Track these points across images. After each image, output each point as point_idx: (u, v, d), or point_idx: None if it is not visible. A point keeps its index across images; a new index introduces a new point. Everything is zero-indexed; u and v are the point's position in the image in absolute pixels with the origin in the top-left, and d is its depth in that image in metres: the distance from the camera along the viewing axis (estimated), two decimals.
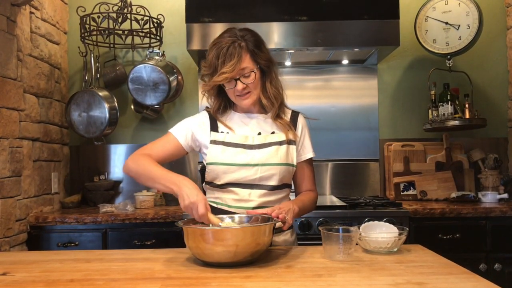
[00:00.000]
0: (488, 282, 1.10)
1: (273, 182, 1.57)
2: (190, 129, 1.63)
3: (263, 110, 1.66)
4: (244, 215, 1.48)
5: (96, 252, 1.62)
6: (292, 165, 1.61)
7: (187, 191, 1.35)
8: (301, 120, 1.70)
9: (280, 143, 1.59)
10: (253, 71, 1.54)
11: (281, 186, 1.60)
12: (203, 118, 1.66)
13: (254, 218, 1.44)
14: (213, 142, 1.59)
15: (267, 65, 1.59)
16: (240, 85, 1.53)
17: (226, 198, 1.58)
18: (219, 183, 1.57)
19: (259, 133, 1.61)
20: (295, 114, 1.69)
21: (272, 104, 1.61)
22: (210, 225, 1.39)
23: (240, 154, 1.55)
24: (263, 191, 1.57)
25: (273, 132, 1.62)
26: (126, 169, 1.57)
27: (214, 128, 1.62)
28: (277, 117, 1.63)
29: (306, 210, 1.63)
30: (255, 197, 1.56)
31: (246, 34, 1.55)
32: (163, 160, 1.60)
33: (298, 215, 1.54)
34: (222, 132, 1.61)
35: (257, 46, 1.55)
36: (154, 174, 1.47)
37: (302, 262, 1.33)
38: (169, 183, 1.41)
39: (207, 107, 1.70)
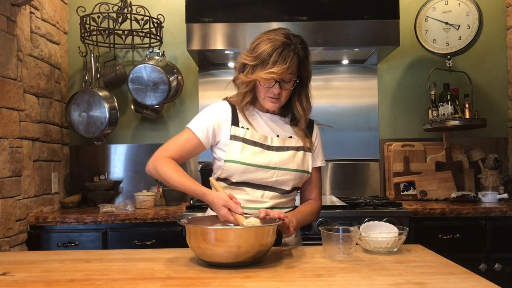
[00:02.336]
0: (488, 282, 1.10)
1: (287, 187, 1.58)
2: (211, 125, 1.58)
3: (282, 113, 1.66)
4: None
5: (96, 252, 1.63)
6: (307, 172, 1.62)
7: (217, 201, 1.41)
8: (316, 128, 1.71)
9: (297, 148, 1.60)
10: (294, 80, 1.54)
11: (292, 190, 1.62)
12: (225, 111, 1.61)
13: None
14: (233, 137, 1.56)
15: (307, 77, 1.59)
16: (277, 89, 1.52)
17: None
18: (234, 180, 1.56)
19: (278, 135, 1.61)
20: (310, 122, 1.70)
21: (304, 115, 1.62)
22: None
23: (258, 154, 1.54)
24: (275, 193, 1.57)
25: (290, 137, 1.62)
26: (149, 172, 1.59)
27: (234, 122, 1.59)
28: (298, 123, 1.63)
29: (305, 222, 1.63)
30: (267, 198, 1.56)
31: (299, 42, 1.54)
32: (183, 159, 1.60)
33: (295, 228, 1.52)
34: (242, 127, 1.58)
35: (306, 57, 1.55)
36: (181, 186, 1.53)
37: (302, 262, 1.33)
38: (198, 195, 1.49)
39: (227, 98, 1.66)
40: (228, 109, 1.61)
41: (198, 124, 1.60)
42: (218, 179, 1.59)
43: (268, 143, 1.57)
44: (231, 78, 1.64)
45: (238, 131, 1.57)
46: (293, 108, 1.63)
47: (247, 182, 1.55)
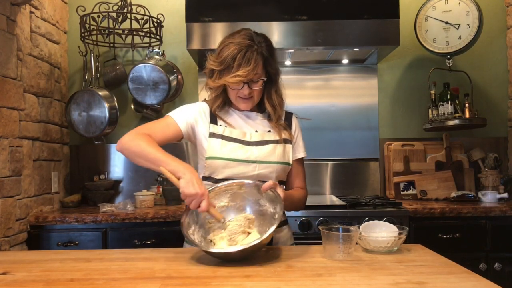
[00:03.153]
0: (488, 281, 1.10)
1: (271, 180, 1.57)
2: (192, 117, 1.61)
3: (259, 109, 1.68)
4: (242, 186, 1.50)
5: (96, 252, 1.62)
6: (288, 164, 1.64)
7: (193, 180, 1.34)
8: (294, 121, 1.74)
9: (277, 141, 1.62)
10: (262, 79, 1.56)
11: (278, 183, 1.61)
12: (204, 108, 1.65)
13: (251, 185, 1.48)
14: (212, 135, 1.59)
15: (275, 74, 1.61)
16: (246, 90, 1.55)
17: None
18: (217, 177, 1.57)
19: (256, 131, 1.63)
20: (288, 115, 1.72)
21: (275, 111, 1.64)
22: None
23: (238, 149, 1.57)
24: None
25: (269, 131, 1.64)
26: (121, 147, 1.50)
27: (213, 121, 1.62)
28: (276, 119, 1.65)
29: (292, 206, 1.62)
30: None
31: (263, 41, 1.55)
32: (160, 144, 1.55)
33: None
34: (220, 125, 1.61)
35: (271, 55, 1.57)
36: (155, 157, 1.42)
37: (302, 261, 1.33)
38: (173, 167, 1.38)
39: (205, 99, 1.70)
40: (207, 108, 1.65)
41: (179, 113, 1.62)
42: (203, 178, 1.60)
43: (247, 139, 1.60)
44: None
45: (217, 129, 1.60)
46: (265, 105, 1.65)
47: (230, 178, 1.55)
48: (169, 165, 1.39)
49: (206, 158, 1.57)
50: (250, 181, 1.50)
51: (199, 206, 1.34)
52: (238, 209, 1.49)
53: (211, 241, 1.40)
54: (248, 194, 1.50)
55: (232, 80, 1.50)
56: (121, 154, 3.23)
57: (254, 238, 1.34)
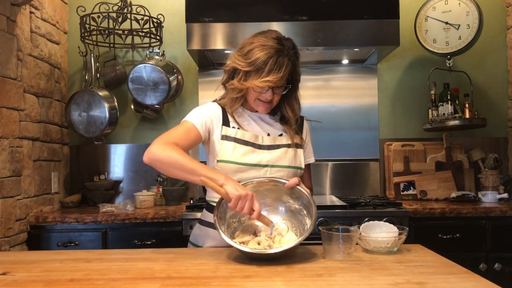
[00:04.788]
0: (488, 281, 1.10)
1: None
2: (209, 119, 1.59)
3: (272, 112, 1.66)
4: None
5: (96, 252, 1.62)
6: (300, 168, 1.63)
7: (236, 185, 1.35)
8: (306, 125, 1.73)
9: (289, 145, 1.61)
10: (288, 86, 1.56)
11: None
12: (216, 110, 1.63)
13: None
14: (225, 137, 1.57)
15: (297, 80, 1.60)
16: (270, 95, 1.53)
17: None
18: None
19: (268, 134, 1.62)
20: (300, 119, 1.70)
21: (294, 116, 1.63)
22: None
23: (250, 153, 1.55)
24: None
25: (281, 134, 1.63)
26: (151, 158, 1.46)
27: (225, 122, 1.60)
28: (288, 123, 1.65)
29: None
30: None
31: (291, 47, 1.54)
32: (186, 150, 1.54)
33: None
34: (233, 127, 1.59)
35: (297, 60, 1.56)
36: (193, 167, 1.41)
37: (302, 261, 1.33)
38: (212, 176, 1.38)
39: (216, 100, 1.67)
40: (219, 110, 1.63)
41: (195, 117, 1.59)
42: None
43: (259, 142, 1.58)
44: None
45: (229, 131, 1.58)
46: (283, 110, 1.64)
47: (241, 182, 1.55)
48: (210, 174, 1.39)
49: (218, 161, 1.55)
50: (268, 178, 1.51)
51: (250, 212, 1.34)
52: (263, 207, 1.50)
53: (242, 243, 1.40)
54: (268, 191, 1.51)
55: (261, 85, 1.48)
56: (121, 154, 3.24)
57: (289, 236, 1.42)
